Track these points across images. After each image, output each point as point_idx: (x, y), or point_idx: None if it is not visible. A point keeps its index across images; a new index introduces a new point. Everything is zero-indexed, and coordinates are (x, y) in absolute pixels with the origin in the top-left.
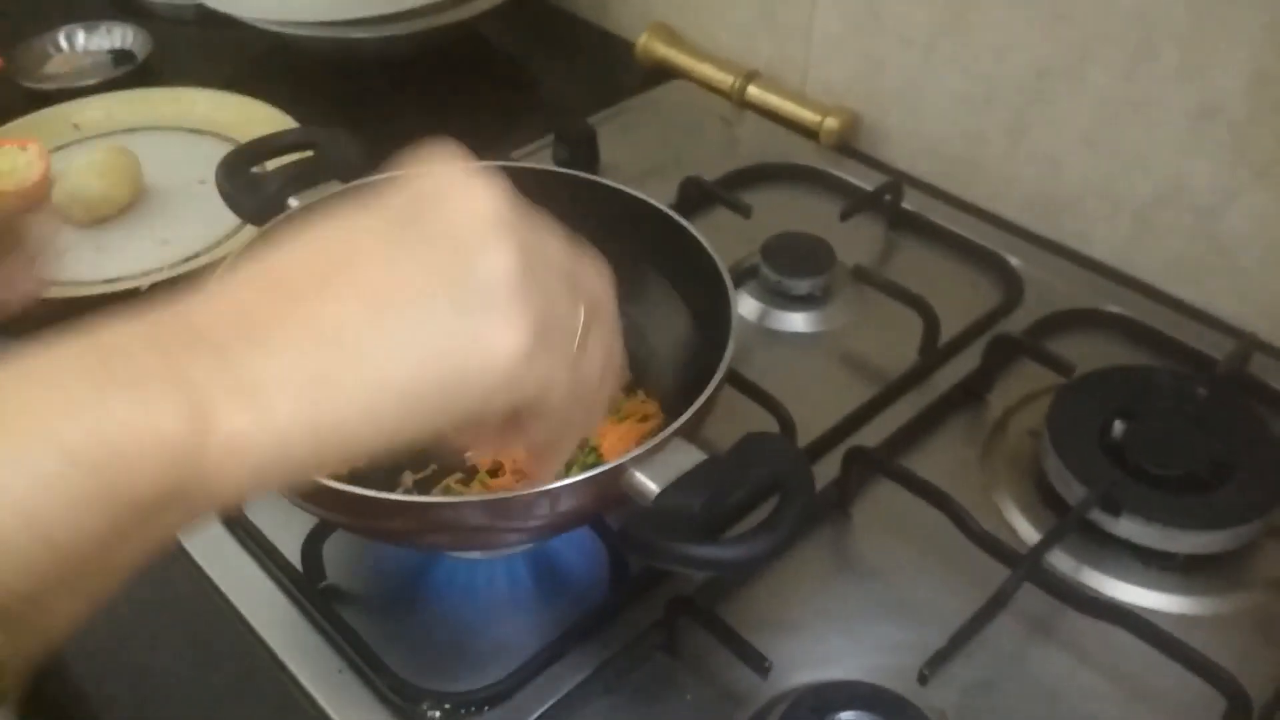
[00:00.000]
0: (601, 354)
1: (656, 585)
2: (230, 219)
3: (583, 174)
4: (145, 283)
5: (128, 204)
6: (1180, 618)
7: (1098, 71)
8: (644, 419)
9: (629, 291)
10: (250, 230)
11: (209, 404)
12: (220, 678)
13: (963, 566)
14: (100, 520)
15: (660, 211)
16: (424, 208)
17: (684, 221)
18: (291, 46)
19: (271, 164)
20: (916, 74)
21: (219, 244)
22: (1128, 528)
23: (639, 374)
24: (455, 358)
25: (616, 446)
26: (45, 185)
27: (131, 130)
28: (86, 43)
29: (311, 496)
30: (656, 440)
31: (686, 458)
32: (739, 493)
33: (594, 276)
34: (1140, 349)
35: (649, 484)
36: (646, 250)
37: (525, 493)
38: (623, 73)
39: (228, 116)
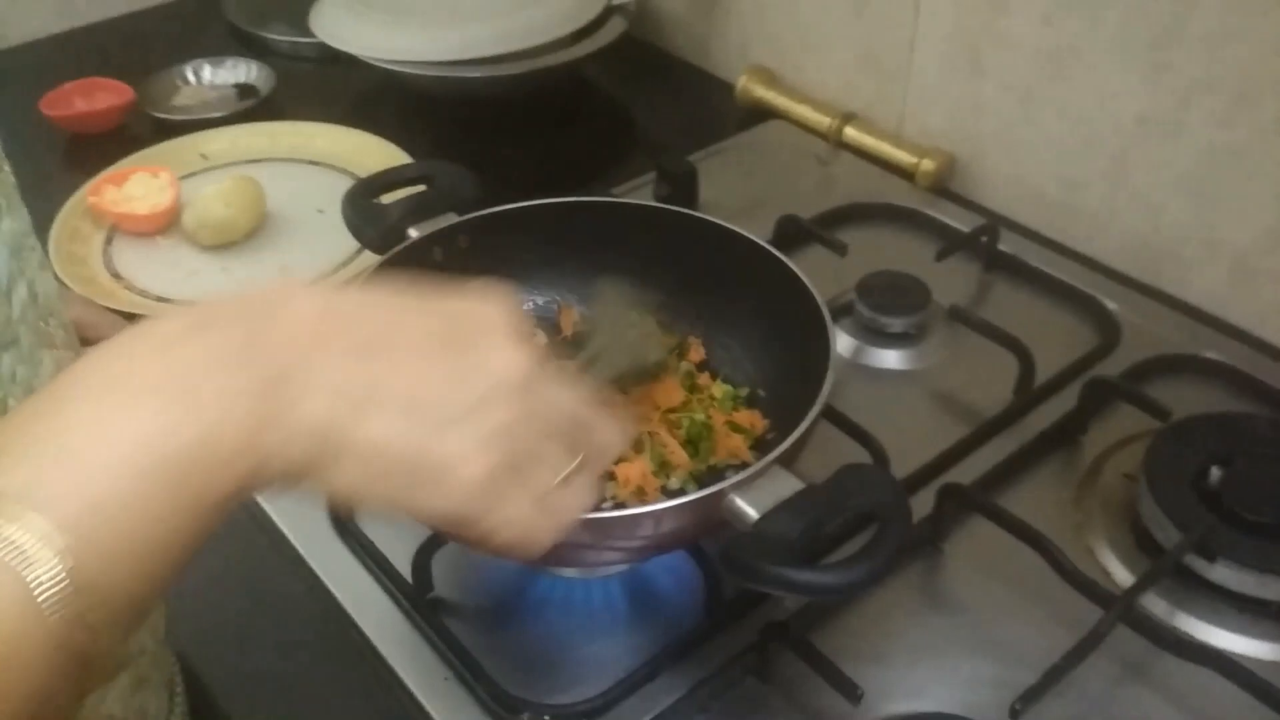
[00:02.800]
0: (580, 495)
1: (750, 611)
2: (345, 247)
3: (685, 210)
4: None
5: (252, 230)
6: (1274, 664)
7: (1198, 119)
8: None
9: (727, 324)
10: (366, 257)
11: (263, 427)
12: (334, 681)
13: (1054, 606)
14: (173, 502)
15: (760, 247)
16: (470, 341)
17: (782, 256)
18: (404, 84)
19: (389, 195)
20: (1015, 119)
21: (336, 270)
22: (1222, 573)
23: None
24: (422, 459)
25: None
26: (175, 210)
27: (255, 161)
28: (213, 77)
29: None
30: (757, 467)
31: (785, 485)
32: (837, 521)
33: (603, 435)
34: (1238, 396)
35: (748, 510)
36: (746, 284)
37: (628, 513)
38: (722, 113)
39: (345, 149)
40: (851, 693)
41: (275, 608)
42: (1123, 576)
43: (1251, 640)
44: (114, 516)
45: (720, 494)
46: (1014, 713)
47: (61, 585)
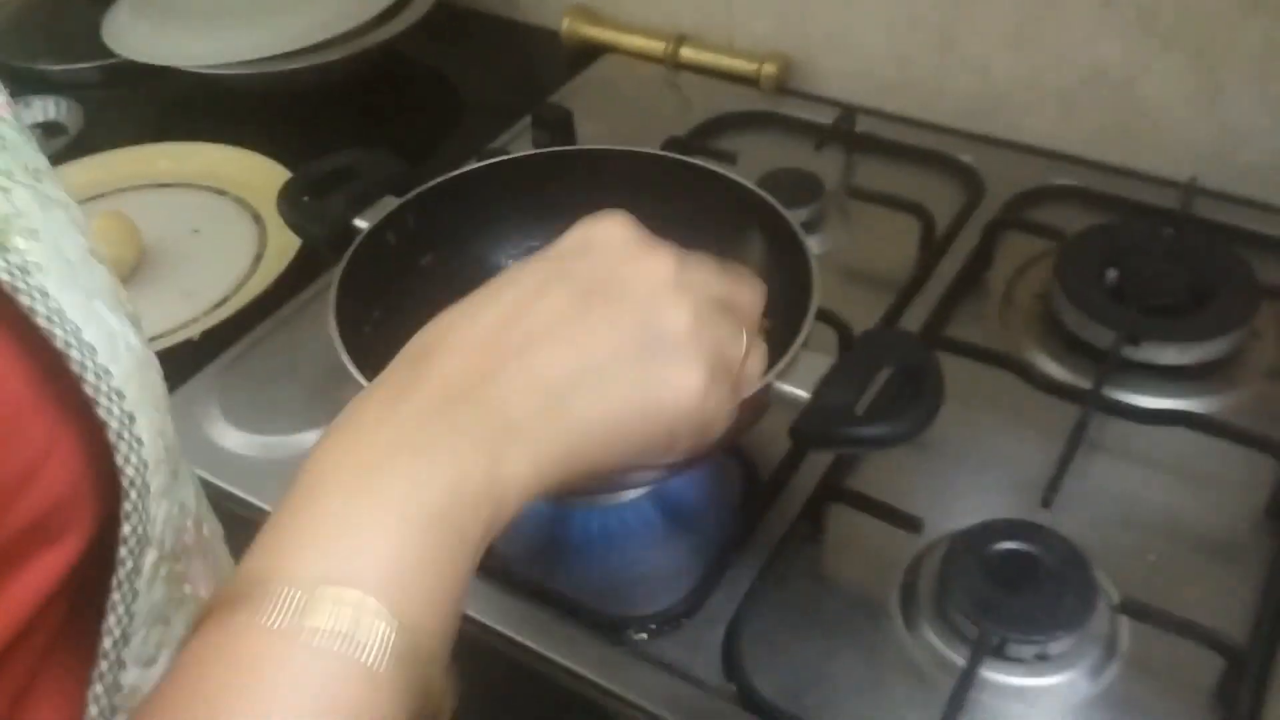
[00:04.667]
0: (758, 361)
1: (782, 491)
2: (242, 260)
3: (631, 149)
4: (196, 331)
5: (137, 264)
6: (1209, 413)
7: None
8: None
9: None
10: (267, 264)
11: (495, 455)
12: None
13: (1031, 414)
14: (452, 560)
15: (712, 172)
16: (605, 272)
17: (740, 179)
18: (216, 85)
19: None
20: (840, 11)
21: (241, 285)
22: (1148, 352)
23: None
24: (647, 403)
25: None
26: None
27: (99, 196)
28: None
29: None
30: (790, 356)
31: (819, 363)
32: (880, 381)
33: (748, 297)
34: (1092, 209)
35: (799, 392)
36: (707, 211)
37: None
38: (554, 60)
39: (193, 166)
40: (912, 524)
41: None
42: (1068, 377)
43: (1181, 400)
44: (408, 569)
45: (768, 386)
46: (1046, 502)
47: (390, 642)
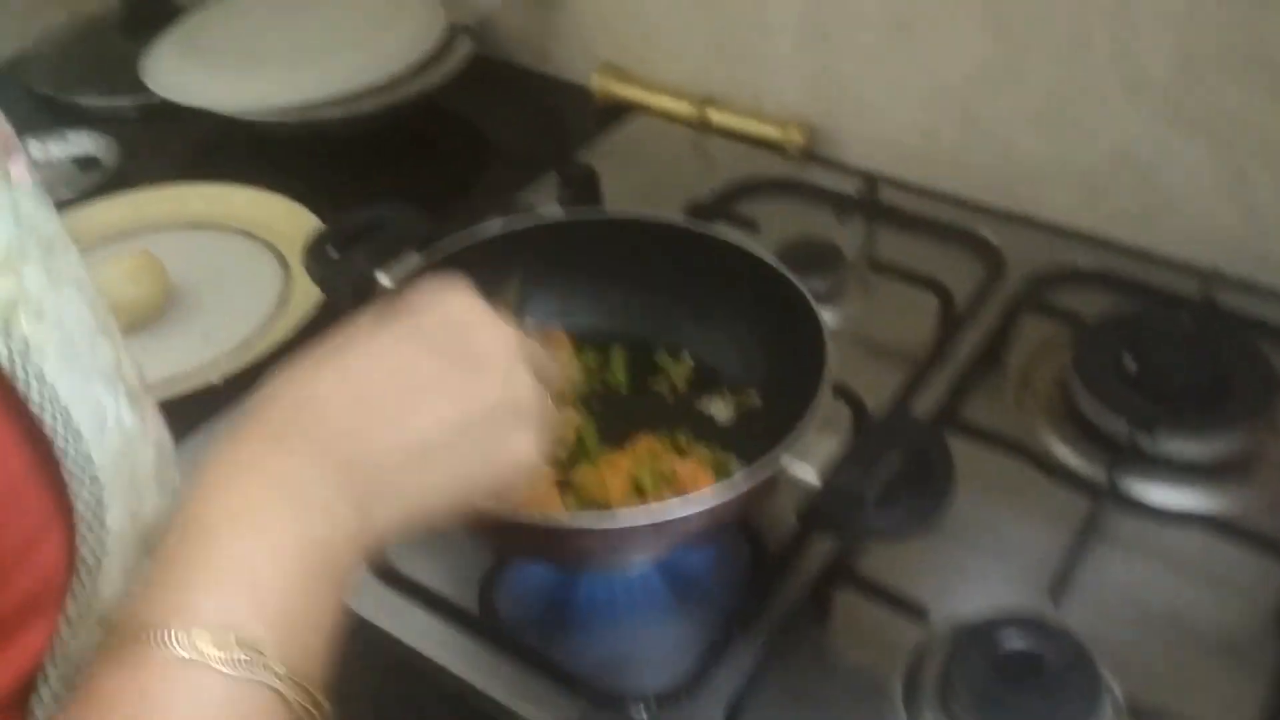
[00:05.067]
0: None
1: (787, 570)
2: (267, 304)
3: (647, 216)
4: (217, 376)
5: (163, 306)
6: (1227, 516)
7: (1037, 61)
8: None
9: (711, 324)
10: (289, 309)
11: (365, 508)
12: None
13: (1041, 502)
14: (327, 592)
15: (732, 246)
16: (461, 340)
17: (760, 252)
18: (251, 129)
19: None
20: (868, 82)
21: (260, 330)
22: (1166, 445)
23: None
24: (500, 461)
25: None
26: None
27: (127, 235)
28: (45, 154)
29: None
30: (800, 433)
31: (829, 444)
32: (891, 468)
33: (553, 369)
34: (1112, 292)
35: (809, 473)
36: (727, 285)
37: (701, 509)
38: (582, 116)
39: (222, 208)
40: (918, 612)
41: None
42: (1082, 465)
43: (1194, 493)
44: (294, 604)
45: (777, 466)
46: (1054, 595)
47: (277, 665)
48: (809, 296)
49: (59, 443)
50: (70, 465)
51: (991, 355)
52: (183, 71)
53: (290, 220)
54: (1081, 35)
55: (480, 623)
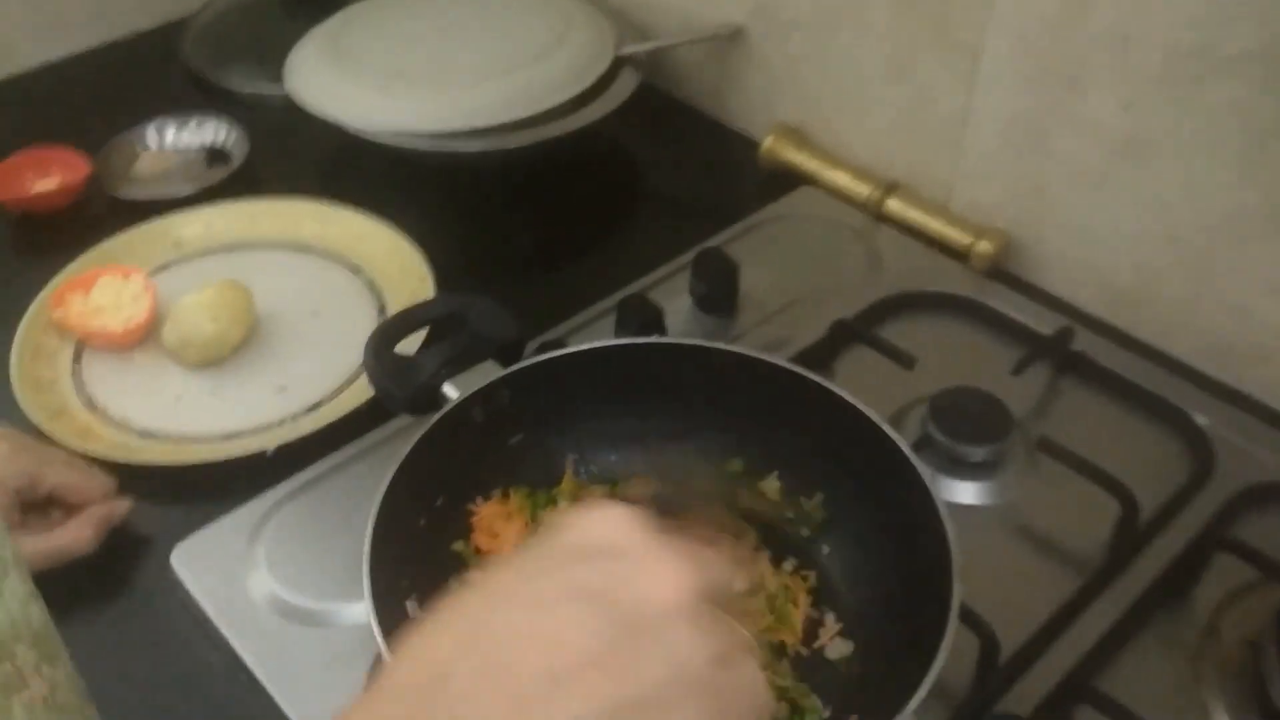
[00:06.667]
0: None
1: None
2: (347, 363)
3: (764, 357)
4: (271, 445)
5: (240, 343)
6: None
7: None
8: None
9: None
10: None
11: None
12: None
13: None
14: None
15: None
16: (612, 583)
17: (902, 444)
18: (387, 151)
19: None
20: (1085, 204)
21: (337, 392)
22: None
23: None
24: None
25: None
26: (152, 321)
27: (233, 248)
28: (176, 140)
29: None
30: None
31: None
32: None
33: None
34: None
35: None
36: (855, 464)
37: None
38: (745, 175)
39: (335, 232)
40: None
41: None
42: None
43: None
44: None
45: None
46: None
47: None
48: (939, 501)
49: None
50: None
51: (1175, 585)
52: (322, 76)
53: (400, 261)
54: None
55: None
